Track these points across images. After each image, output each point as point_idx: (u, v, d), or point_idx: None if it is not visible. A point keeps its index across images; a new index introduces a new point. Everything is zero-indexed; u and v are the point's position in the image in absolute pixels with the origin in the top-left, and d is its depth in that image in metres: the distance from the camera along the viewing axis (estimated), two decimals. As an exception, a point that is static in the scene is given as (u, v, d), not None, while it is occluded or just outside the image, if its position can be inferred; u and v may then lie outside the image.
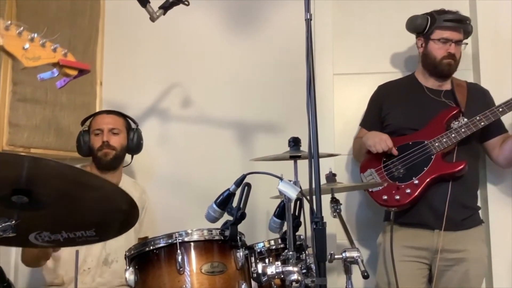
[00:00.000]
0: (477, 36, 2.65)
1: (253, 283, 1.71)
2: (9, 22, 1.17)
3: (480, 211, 2.46)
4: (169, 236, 1.68)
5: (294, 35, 2.59)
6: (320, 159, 1.47)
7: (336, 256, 1.64)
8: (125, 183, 2.46)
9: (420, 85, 2.50)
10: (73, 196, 1.44)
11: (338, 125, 2.79)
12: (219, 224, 1.75)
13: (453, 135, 2.31)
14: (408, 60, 2.82)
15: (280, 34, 2.83)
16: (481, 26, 2.68)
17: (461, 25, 2.42)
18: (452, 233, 2.29)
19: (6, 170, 1.33)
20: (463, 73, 2.59)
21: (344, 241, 1.96)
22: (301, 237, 1.79)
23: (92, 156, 2.37)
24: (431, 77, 2.48)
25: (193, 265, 1.67)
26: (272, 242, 1.82)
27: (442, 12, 2.44)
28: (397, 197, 2.29)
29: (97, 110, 2.79)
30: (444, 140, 2.31)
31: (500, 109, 2.29)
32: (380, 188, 2.33)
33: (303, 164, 1.55)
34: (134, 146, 2.44)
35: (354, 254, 1.63)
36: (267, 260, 1.77)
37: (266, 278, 1.54)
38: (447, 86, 2.48)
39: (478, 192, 2.48)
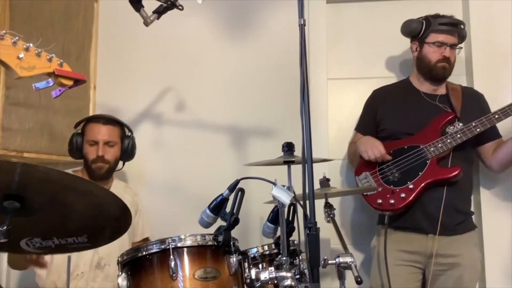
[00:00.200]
0: (470, 40, 2.66)
1: (247, 289, 1.71)
2: (4, 31, 1.17)
3: (473, 216, 2.47)
4: (162, 241, 1.68)
5: (288, 40, 2.61)
6: (314, 164, 1.47)
7: (329, 262, 1.63)
8: (117, 187, 2.45)
9: (415, 90, 2.50)
10: (65, 202, 1.43)
11: (332, 130, 2.79)
12: (212, 229, 1.75)
13: (448, 140, 2.31)
14: (403, 65, 2.83)
15: (274, 38, 2.83)
16: (474, 31, 2.69)
17: (456, 29, 2.44)
18: (446, 238, 2.29)
19: (-2, 175, 1.32)
20: (457, 78, 2.60)
21: (338, 245, 1.95)
22: (295, 242, 1.79)
23: (85, 165, 2.36)
24: (426, 81, 2.49)
25: (186, 270, 1.66)
26: (266, 248, 1.81)
27: (437, 16, 2.45)
28: (392, 201, 2.29)
29: (91, 114, 2.77)
30: (440, 145, 2.31)
31: (496, 116, 2.30)
32: (375, 191, 2.33)
33: (297, 169, 1.54)
34: (128, 154, 2.43)
35: (348, 259, 1.63)
36: (260, 266, 1.76)
37: (259, 283, 1.53)
38: (442, 90, 2.48)
39: (472, 197, 2.49)
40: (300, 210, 1.53)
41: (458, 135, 2.31)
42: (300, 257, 1.68)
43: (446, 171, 2.30)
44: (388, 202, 2.30)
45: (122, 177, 2.62)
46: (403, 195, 2.29)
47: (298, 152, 1.64)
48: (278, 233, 1.72)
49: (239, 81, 2.83)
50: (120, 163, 2.45)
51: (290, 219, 1.80)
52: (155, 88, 2.86)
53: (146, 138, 2.75)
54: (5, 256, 2.57)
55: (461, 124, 2.34)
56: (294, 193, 1.66)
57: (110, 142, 2.35)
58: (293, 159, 1.80)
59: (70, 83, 1.29)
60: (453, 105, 2.41)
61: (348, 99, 2.85)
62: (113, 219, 1.54)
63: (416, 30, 2.46)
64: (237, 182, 1.71)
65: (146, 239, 2.49)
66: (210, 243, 1.70)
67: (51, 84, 1.29)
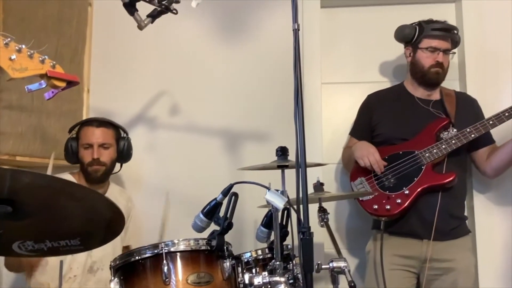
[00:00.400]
0: (463, 45, 2.68)
1: (240, 294, 1.70)
2: None
3: (467, 221, 2.47)
4: (155, 246, 1.67)
5: (282, 44, 2.61)
6: (308, 168, 1.47)
7: (323, 266, 1.63)
8: (113, 191, 2.44)
9: (410, 95, 2.51)
10: (58, 206, 1.42)
11: (326, 134, 2.79)
12: (206, 234, 1.74)
13: (443, 146, 2.32)
14: (396, 70, 2.84)
15: (268, 43, 2.83)
16: (467, 36, 2.71)
17: (449, 34, 2.45)
18: (440, 242, 2.30)
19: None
20: (450, 83, 2.61)
21: (332, 250, 1.95)
22: (289, 246, 1.79)
23: (82, 168, 2.35)
24: (420, 87, 2.49)
25: (179, 275, 1.65)
26: (259, 252, 1.80)
27: (430, 21, 2.46)
28: (388, 206, 2.30)
29: (84, 117, 2.76)
30: (435, 151, 2.32)
31: (491, 122, 2.31)
32: (370, 197, 2.33)
33: (291, 173, 1.54)
34: (124, 155, 2.42)
35: (341, 264, 1.63)
36: (254, 270, 1.75)
37: (252, 288, 1.53)
38: (436, 95, 2.49)
39: (465, 202, 2.49)
40: (294, 215, 1.53)
41: (453, 141, 2.32)
42: (294, 261, 1.68)
43: (441, 177, 2.31)
44: (384, 208, 2.30)
45: (117, 180, 2.61)
46: (398, 200, 2.29)
47: (292, 156, 1.63)
48: (272, 237, 1.72)
49: (233, 85, 2.83)
50: (117, 165, 2.44)
51: (284, 223, 1.79)
52: (149, 91, 2.86)
53: (140, 142, 2.74)
54: (1, 258, 2.55)
55: (455, 130, 2.35)
56: (288, 197, 1.66)
57: (105, 144, 2.34)
58: (287, 164, 1.80)
59: (63, 84, 1.29)
60: (447, 111, 2.41)
61: (342, 104, 2.86)
62: (106, 222, 1.53)
63: (410, 36, 2.47)
64: (231, 186, 1.70)
65: (128, 247, 2.45)
66: (203, 247, 1.69)
67: (43, 86, 1.28)
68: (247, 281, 1.53)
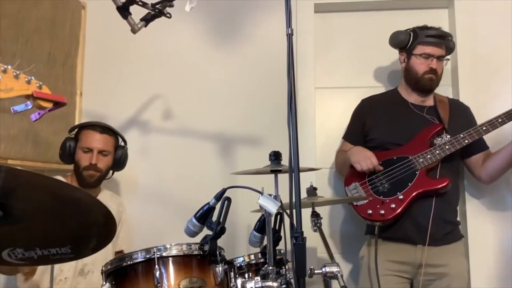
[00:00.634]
0: (456, 52, 2.68)
1: (233, 298, 1.69)
2: None
3: (459, 226, 2.48)
4: (147, 251, 1.66)
5: (276, 48, 2.61)
6: (302, 173, 1.47)
7: (316, 271, 1.63)
8: (104, 196, 2.43)
9: (404, 100, 2.52)
10: (50, 209, 1.40)
11: (320, 139, 2.79)
12: (198, 238, 1.73)
13: (437, 151, 2.33)
14: (391, 75, 2.85)
15: (262, 47, 2.84)
16: (460, 42, 2.72)
17: (443, 41, 2.46)
18: (434, 248, 2.30)
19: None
20: (443, 89, 2.62)
21: (325, 254, 1.95)
22: (281, 251, 1.78)
23: (76, 171, 2.34)
24: (414, 92, 2.50)
25: (171, 280, 1.64)
26: (252, 257, 1.80)
27: (424, 28, 2.47)
28: (382, 211, 2.30)
29: (77, 121, 2.76)
30: (429, 156, 2.33)
31: (484, 128, 2.32)
32: (365, 202, 2.34)
33: (284, 178, 1.54)
34: (120, 164, 2.42)
35: (334, 269, 1.63)
36: (246, 275, 1.75)
37: (245, 293, 1.52)
38: (429, 101, 2.50)
39: (458, 207, 2.50)
40: (287, 219, 1.53)
41: (447, 147, 2.33)
42: (287, 266, 1.67)
43: (435, 182, 2.31)
44: (378, 213, 2.30)
45: (109, 184, 2.60)
46: (393, 205, 2.29)
47: (285, 161, 1.63)
48: (265, 242, 1.71)
49: (227, 90, 2.83)
50: (110, 172, 2.43)
51: (277, 228, 1.79)
52: (142, 95, 2.85)
53: (132, 146, 2.72)
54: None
55: (448, 136, 2.36)
56: (281, 202, 1.65)
57: (104, 151, 2.33)
58: (280, 168, 1.79)
59: (49, 105, 1.28)
60: (441, 117, 2.42)
61: (336, 108, 2.86)
62: (98, 228, 1.51)
63: (404, 42, 2.48)
64: (224, 191, 1.70)
65: (120, 252, 2.44)
66: (196, 252, 1.68)
67: (29, 107, 1.27)
68: (239, 286, 1.53)
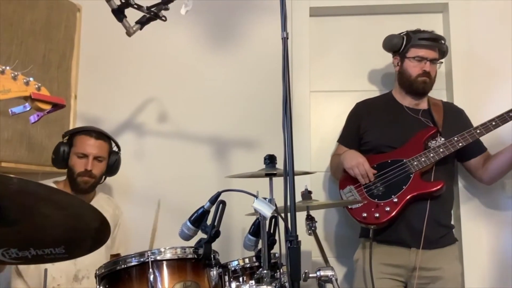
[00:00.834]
0: (450, 55, 2.70)
1: (227, 302, 1.69)
2: None
3: (454, 230, 2.48)
4: (141, 254, 1.65)
5: (271, 52, 2.61)
6: (296, 176, 1.47)
7: (310, 275, 1.62)
8: (99, 199, 2.43)
9: (398, 104, 2.53)
10: (43, 213, 1.40)
11: (315, 142, 2.80)
12: (193, 242, 1.73)
13: (431, 154, 2.33)
14: (385, 78, 2.86)
15: (257, 50, 2.84)
16: (455, 46, 2.73)
17: (436, 44, 2.47)
18: (428, 251, 2.30)
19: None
20: (437, 92, 2.64)
21: (319, 258, 1.95)
22: (276, 255, 1.78)
23: (70, 177, 2.33)
24: (408, 96, 2.51)
25: (165, 284, 1.63)
26: (247, 260, 1.80)
27: (417, 31, 2.49)
28: (377, 214, 2.30)
29: (71, 124, 2.75)
30: (423, 159, 2.33)
31: (478, 131, 2.33)
32: (359, 205, 2.34)
33: (279, 182, 1.54)
34: (113, 170, 2.42)
35: (329, 273, 1.63)
36: (241, 279, 1.75)
37: (239, 297, 1.52)
38: (423, 105, 2.51)
39: (452, 210, 2.51)
40: (281, 223, 1.53)
41: (441, 150, 2.33)
42: (281, 270, 1.67)
43: (429, 185, 2.32)
44: (373, 216, 2.31)
45: (104, 187, 2.59)
46: (387, 208, 2.30)
47: (280, 164, 1.63)
48: (260, 246, 1.71)
49: (222, 93, 2.83)
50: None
51: (272, 231, 1.79)
52: (137, 98, 2.84)
53: (127, 149, 2.72)
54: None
55: (443, 139, 2.37)
56: (275, 205, 1.65)
57: (100, 157, 2.33)
58: (275, 172, 1.79)
59: (48, 107, 1.27)
60: (435, 120, 2.43)
61: (331, 112, 2.86)
62: (91, 231, 1.51)
63: (397, 45, 2.49)
64: (219, 194, 1.69)
65: (117, 255, 2.43)
66: (190, 256, 1.68)
67: (28, 109, 1.26)
68: (234, 290, 1.52)
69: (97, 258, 2.17)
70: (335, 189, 2.54)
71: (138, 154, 2.79)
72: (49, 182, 2.38)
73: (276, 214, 1.68)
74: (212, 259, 1.68)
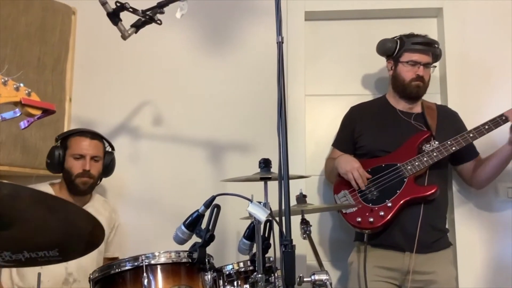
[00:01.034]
0: (444, 59, 2.71)
1: (221, 307, 1.69)
2: None
3: (448, 234, 2.49)
4: (135, 258, 1.65)
5: (266, 55, 2.62)
6: (291, 180, 1.47)
7: (305, 279, 1.62)
8: (95, 203, 2.42)
9: (392, 108, 2.53)
10: (35, 217, 1.40)
11: (310, 146, 2.80)
12: (187, 246, 1.72)
13: (425, 158, 2.34)
14: (379, 83, 2.87)
15: (253, 54, 2.84)
16: (449, 50, 2.74)
17: (430, 48, 2.48)
18: (422, 255, 2.30)
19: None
20: (431, 96, 2.64)
21: (314, 262, 1.94)
22: (271, 259, 1.78)
23: (67, 179, 2.31)
24: (402, 100, 2.52)
25: (159, 288, 1.63)
26: (241, 264, 1.79)
27: (411, 35, 2.50)
28: (371, 219, 2.30)
29: (66, 127, 2.73)
30: (417, 163, 2.34)
31: (471, 135, 2.34)
32: (354, 210, 2.34)
33: (274, 185, 1.54)
34: (109, 170, 2.42)
35: (323, 277, 1.62)
36: (235, 283, 1.74)
37: (234, 301, 1.52)
38: (417, 108, 2.52)
39: (446, 214, 2.51)
40: (276, 227, 1.53)
41: (434, 153, 2.34)
42: (276, 274, 1.67)
43: (423, 189, 2.33)
44: (367, 220, 2.31)
45: (99, 190, 2.58)
46: (381, 213, 2.30)
47: (275, 168, 1.63)
48: (254, 249, 1.71)
49: (217, 96, 2.83)
50: None
51: (266, 235, 1.78)
52: (132, 101, 2.84)
53: (122, 152, 2.71)
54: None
55: (437, 143, 2.38)
56: (270, 209, 1.65)
57: (96, 157, 2.33)
58: (270, 176, 1.80)
59: (38, 113, 1.26)
60: (429, 124, 2.44)
61: (326, 116, 2.87)
62: (85, 234, 1.51)
63: (391, 49, 2.50)
64: (213, 198, 1.70)
65: (115, 259, 2.43)
66: (184, 260, 1.68)
67: (18, 115, 1.26)
68: (228, 294, 1.52)
69: (88, 262, 2.16)
70: (330, 192, 2.54)
71: (133, 157, 2.78)
72: (43, 186, 2.37)
73: (270, 218, 1.68)
74: (207, 263, 1.68)
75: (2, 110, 1.27)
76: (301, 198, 1.99)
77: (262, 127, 2.71)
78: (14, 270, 2.21)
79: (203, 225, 1.69)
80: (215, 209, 1.68)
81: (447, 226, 2.50)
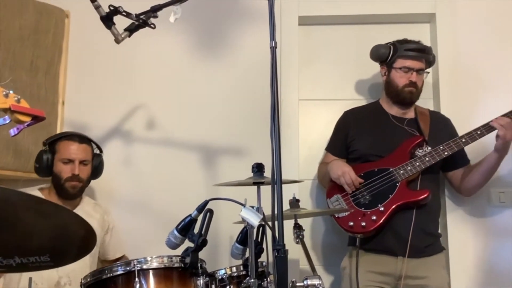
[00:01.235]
0: (437, 65, 2.72)
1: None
2: None
3: (441, 238, 2.49)
4: (127, 263, 1.64)
5: (260, 60, 2.62)
6: (284, 185, 1.47)
7: (297, 284, 1.61)
8: (85, 206, 2.41)
9: (385, 113, 2.54)
10: (26, 222, 1.39)
11: (303, 150, 2.80)
12: (180, 250, 1.72)
13: (417, 163, 2.35)
14: (373, 87, 2.88)
15: (246, 58, 2.84)
16: (442, 55, 2.76)
17: (423, 54, 2.49)
18: (414, 260, 2.31)
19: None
20: (424, 102, 2.65)
21: (307, 266, 1.95)
22: (263, 264, 1.78)
23: (56, 184, 2.31)
24: (395, 105, 2.53)
25: (151, 293, 1.62)
26: (234, 269, 1.79)
27: (404, 41, 2.51)
28: (363, 223, 2.30)
29: (58, 130, 2.72)
30: (409, 168, 2.35)
31: (463, 140, 2.35)
32: (346, 214, 2.34)
33: (267, 190, 1.54)
34: (97, 173, 2.42)
35: (316, 282, 1.61)
36: (228, 288, 1.74)
37: (226, 306, 1.51)
38: (410, 114, 2.53)
39: (439, 219, 2.52)
40: (269, 231, 1.52)
41: (427, 158, 2.35)
42: (268, 279, 1.67)
43: (415, 194, 2.33)
44: (359, 225, 2.31)
45: (91, 195, 2.57)
46: (374, 217, 2.30)
47: (268, 173, 1.63)
48: (247, 254, 1.70)
49: (210, 101, 2.83)
50: None
51: (259, 240, 1.78)
52: (125, 105, 2.83)
53: (115, 156, 2.71)
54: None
55: (429, 148, 2.39)
56: (263, 214, 1.65)
57: (85, 161, 2.33)
58: (263, 180, 1.80)
59: (27, 119, 1.26)
60: (422, 129, 2.45)
61: (319, 120, 2.87)
62: (77, 239, 1.50)
63: (384, 55, 2.51)
64: (206, 202, 1.69)
65: (121, 258, 2.46)
66: (177, 265, 1.67)
67: (7, 121, 1.26)
68: (220, 299, 1.51)
69: (81, 266, 2.15)
70: (323, 197, 2.54)
71: (125, 161, 2.77)
72: (35, 189, 2.36)
73: (263, 223, 1.68)
74: (199, 268, 1.67)
75: None
76: (294, 202, 1.99)
77: (256, 132, 2.71)
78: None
79: (196, 230, 1.68)
80: (208, 213, 1.67)
81: (439, 231, 2.51)
